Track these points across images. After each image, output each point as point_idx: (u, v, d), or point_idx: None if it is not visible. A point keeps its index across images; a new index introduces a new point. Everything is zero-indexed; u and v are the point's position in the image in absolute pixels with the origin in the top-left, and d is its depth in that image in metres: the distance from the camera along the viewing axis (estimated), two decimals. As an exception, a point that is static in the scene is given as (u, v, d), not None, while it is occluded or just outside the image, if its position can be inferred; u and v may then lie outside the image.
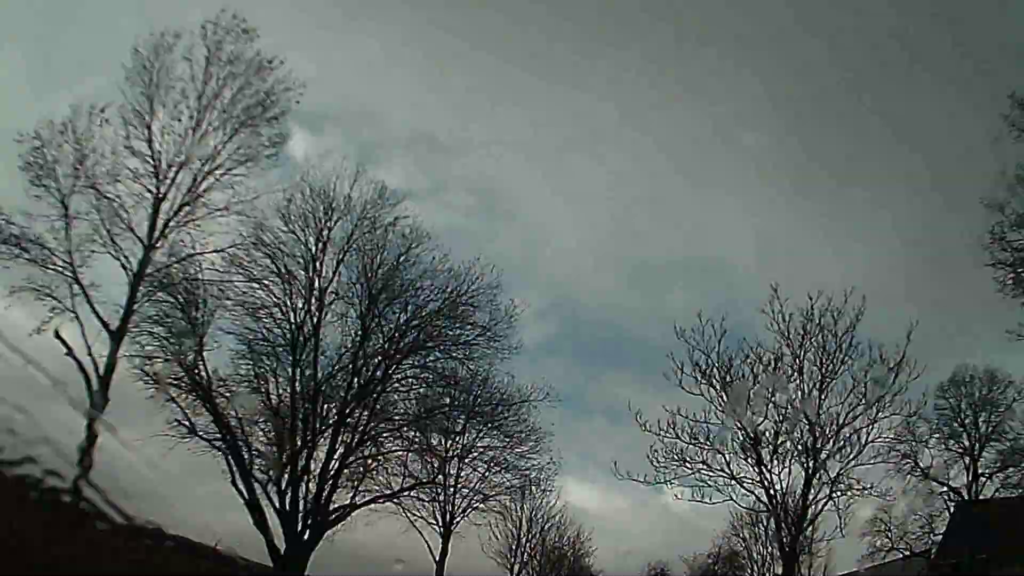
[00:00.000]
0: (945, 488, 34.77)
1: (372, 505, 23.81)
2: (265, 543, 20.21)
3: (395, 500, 24.82)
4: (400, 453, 24.59)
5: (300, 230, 22.28)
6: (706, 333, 20.68)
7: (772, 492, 21.28)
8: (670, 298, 65.60)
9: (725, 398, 20.57)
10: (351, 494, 23.00)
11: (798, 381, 20.97)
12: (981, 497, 34.11)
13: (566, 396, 64.59)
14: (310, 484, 21.16)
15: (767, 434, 20.83)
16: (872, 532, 31.99)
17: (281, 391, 21.83)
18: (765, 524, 32.93)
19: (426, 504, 28.37)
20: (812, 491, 20.68)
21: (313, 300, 21.97)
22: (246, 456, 20.84)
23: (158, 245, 19.28)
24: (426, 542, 30.20)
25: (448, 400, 25.51)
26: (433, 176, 65.01)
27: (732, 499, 22.34)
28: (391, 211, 23.37)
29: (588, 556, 45.34)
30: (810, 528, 21.72)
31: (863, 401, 20.53)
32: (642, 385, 66.50)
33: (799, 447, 20.88)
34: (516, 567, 38.05)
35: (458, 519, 30.71)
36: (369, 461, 23.31)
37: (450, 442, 27.91)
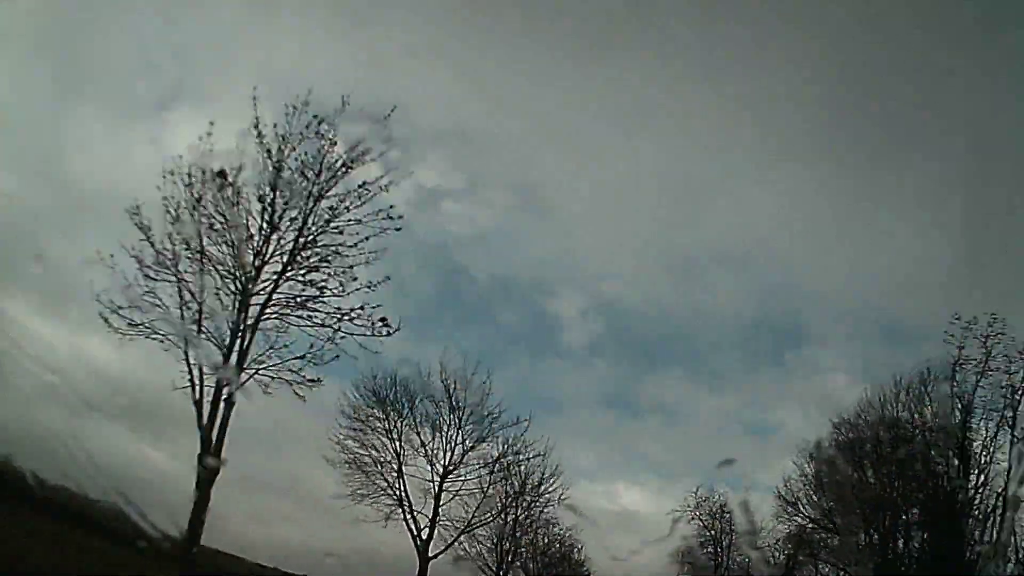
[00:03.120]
0: None
1: None
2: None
3: None
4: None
5: None
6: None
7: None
8: (716, 291, 64.80)
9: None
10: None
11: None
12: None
13: (615, 398, 64.40)
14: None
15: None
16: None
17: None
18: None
19: None
20: None
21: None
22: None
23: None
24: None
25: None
26: (469, 174, 63.80)
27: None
28: None
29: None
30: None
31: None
32: (692, 382, 65.60)
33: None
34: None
35: None
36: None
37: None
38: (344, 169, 20.70)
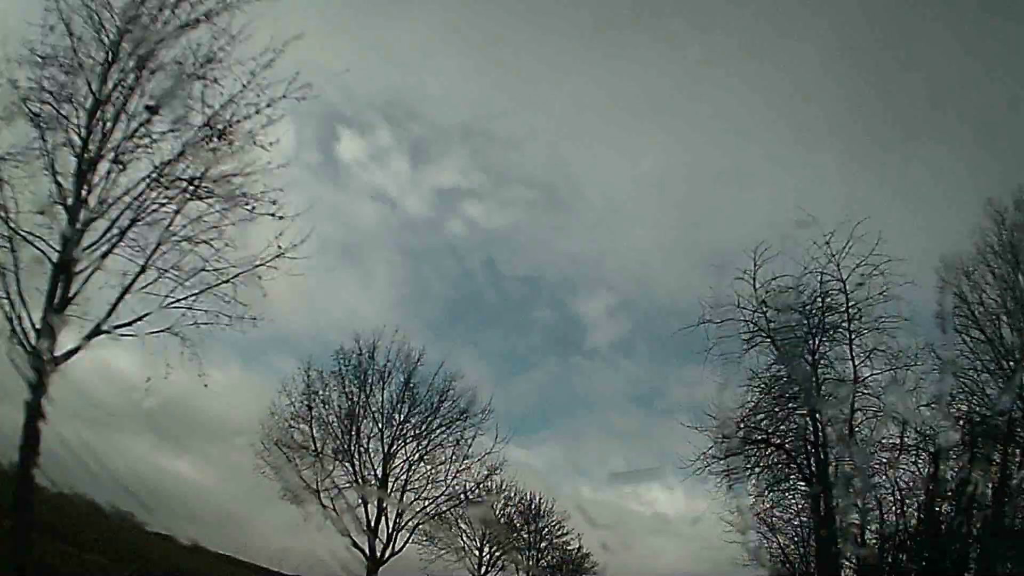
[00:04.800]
0: None
1: None
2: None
3: None
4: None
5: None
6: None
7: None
8: (746, 284, 62.20)
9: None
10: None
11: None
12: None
13: (644, 397, 62.56)
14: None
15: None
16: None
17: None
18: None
19: None
20: None
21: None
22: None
23: None
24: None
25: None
26: (491, 171, 62.70)
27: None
28: None
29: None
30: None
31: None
32: (722, 377, 63.39)
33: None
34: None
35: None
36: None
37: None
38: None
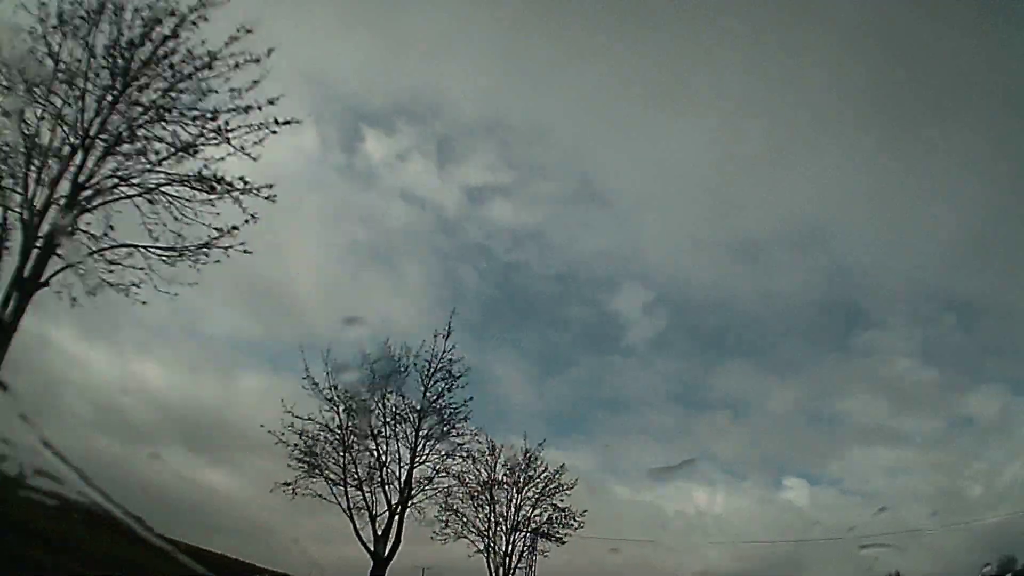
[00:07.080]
0: None
1: None
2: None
3: None
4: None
5: None
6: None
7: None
8: (780, 274, 59.66)
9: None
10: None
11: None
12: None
13: (681, 394, 60.35)
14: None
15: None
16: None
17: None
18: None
19: None
20: None
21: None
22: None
23: None
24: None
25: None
26: (519, 167, 62.28)
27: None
28: None
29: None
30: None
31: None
32: (763, 371, 61.44)
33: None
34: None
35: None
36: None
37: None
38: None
